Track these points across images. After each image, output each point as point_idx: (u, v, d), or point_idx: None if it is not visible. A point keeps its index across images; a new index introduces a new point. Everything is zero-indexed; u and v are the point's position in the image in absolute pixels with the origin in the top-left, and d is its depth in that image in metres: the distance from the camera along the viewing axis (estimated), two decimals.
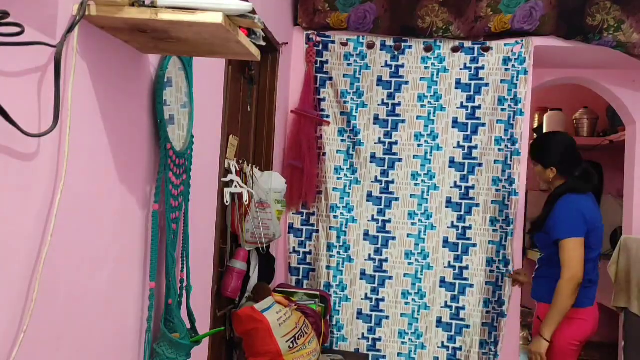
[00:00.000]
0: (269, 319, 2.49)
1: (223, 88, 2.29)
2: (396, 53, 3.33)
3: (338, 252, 3.32)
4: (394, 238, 3.30)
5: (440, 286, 3.25)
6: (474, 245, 3.24)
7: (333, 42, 3.35)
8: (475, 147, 3.26)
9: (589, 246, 2.68)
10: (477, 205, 3.24)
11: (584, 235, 2.64)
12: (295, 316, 2.65)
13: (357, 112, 3.34)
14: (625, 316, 3.53)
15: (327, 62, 3.36)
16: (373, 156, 3.33)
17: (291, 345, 2.53)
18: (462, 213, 3.26)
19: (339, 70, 3.35)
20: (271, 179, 2.79)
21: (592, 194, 2.81)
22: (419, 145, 3.30)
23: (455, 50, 3.28)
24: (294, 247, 3.38)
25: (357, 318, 3.30)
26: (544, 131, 5.07)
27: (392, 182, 3.31)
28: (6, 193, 1.10)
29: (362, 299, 3.31)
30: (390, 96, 3.33)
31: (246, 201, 2.54)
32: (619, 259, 3.54)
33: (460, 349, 3.24)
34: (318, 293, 3.09)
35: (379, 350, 3.29)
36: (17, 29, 1.05)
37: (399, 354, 3.27)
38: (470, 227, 3.25)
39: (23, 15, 1.10)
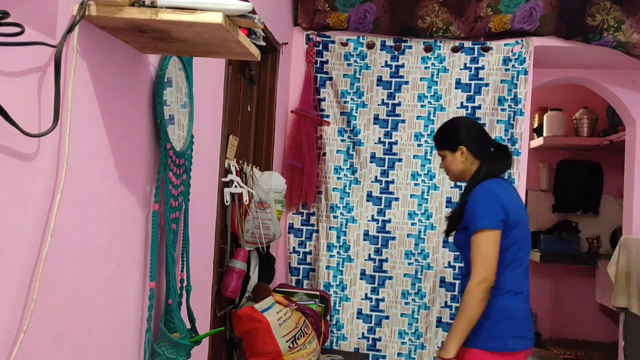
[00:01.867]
0: (269, 319, 2.49)
1: (223, 88, 2.29)
2: (396, 53, 3.33)
3: (338, 252, 3.32)
4: (394, 238, 3.30)
5: (440, 286, 3.25)
6: None
7: (333, 42, 3.36)
8: None
9: (515, 244, 2.18)
10: None
11: (502, 227, 2.14)
12: (295, 316, 2.65)
13: (357, 112, 3.34)
14: (625, 316, 3.53)
15: (327, 62, 3.37)
16: (373, 156, 3.33)
17: (291, 345, 2.53)
18: None
19: (339, 70, 3.35)
20: (271, 179, 2.79)
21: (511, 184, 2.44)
22: (419, 145, 3.30)
23: (455, 50, 3.28)
24: (294, 247, 3.38)
25: (357, 318, 3.30)
26: (544, 132, 5.08)
27: (392, 182, 3.32)
28: (6, 193, 1.10)
29: (362, 299, 3.31)
30: (390, 96, 3.33)
31: (246, 201, 2.54)
32: (619, 259, 3.54)
33: None
34: (318, 293, 3.08)
35: (379, 350, 3.29)
36: (17, 29, 1.05)
37: (399, 354, 3.27)
38: None
39: (23, 15, 1.11)
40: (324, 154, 3.35)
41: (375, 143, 3.33)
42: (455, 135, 2.33)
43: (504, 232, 2.15)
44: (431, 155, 3.28)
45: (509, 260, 2.18)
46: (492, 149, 2.36)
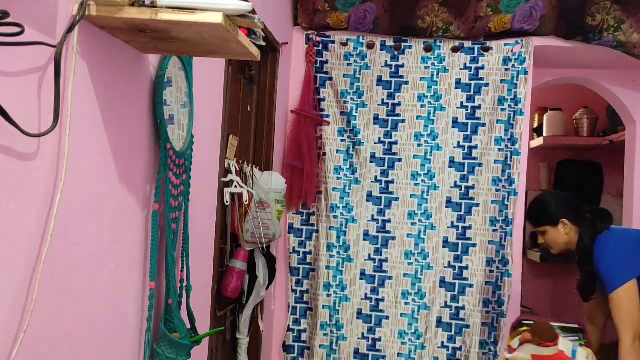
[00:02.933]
0: None
1: (223, 88, 2.29)
2: (396, 53, 3.33)
3: (338, 252, 3.32)
4: (393, 238, 3.29)
5: (440, 286, 3.25)
6: (474, 245, 3.24)
7: (333, 42, 3.35)
8: (475, 147, 3.26)
9: None
10: (477, 205, 3.24)
11: (637, 274, 2.24)
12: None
13: (357, 112, 3.33)
14: None
15: (327, 62, 3.36)
16: (373, 156, 3.33)
17: None
18: (462, 213, 3.26)
19: (339, 70, 3.35)
20: (271, 179, 2.79)
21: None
22: (419, 145, 3.30)
23: (455, 50, 3.28)
24: (294, 247, 3.38)
25: (357, 318, 3.30)
26: (544, 132, 5.08)
27: (392, 182, 3.31)
28: (6, 193, 1.10)
29: (362, 299, 3.30)
30: (390, 96, 3.33)
31: (246, 201, 2.54)
32: None
33: (460, 349, 3.24)
34: (577, 326, 2.63)
35: (379, 351, 3.29)
36: (17, 29, 1.05)
37: (399, 354, 3.26)
38: (470, 227, 3.25)
39: (23, 15, 1.10)
40: (324, 154, 3.35)
41: (375, 143, 3.33)
42: (551, 210, 2.49)
43: None
44: (431, 155, 3.28)
45: None
46: (588, 215, 2.48)
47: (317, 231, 3.34)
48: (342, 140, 3.36)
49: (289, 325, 3.36)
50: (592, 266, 2.39)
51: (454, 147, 3.27)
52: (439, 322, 3.25)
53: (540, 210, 2.55)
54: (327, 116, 3.36)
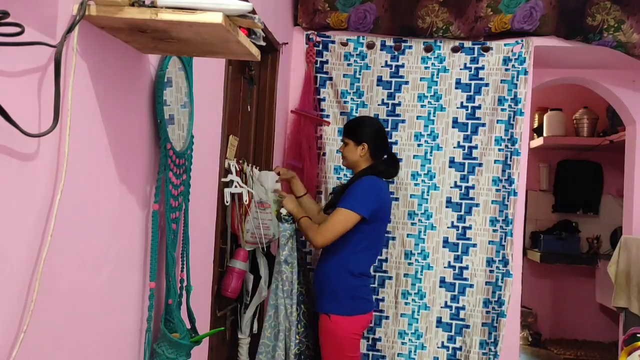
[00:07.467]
0: None
1: (223, 88, 2.29)
2: (396, 53, 3.33)
3: None
4: (393, 238, 3.29)
5: (440, 286, 3.25)
6: (474, 245, 3.24)
7: (333, 42, 3.36)
8: (475, 147, 3.25)
9: (374, 235, 2.70)
10: (477, 205, 3.24)
11: (370, 217, 2.61)
12: None
13: (357, 112, 3.33)
14: (625, 316, 3.54)
15: (327, 62, 3.37)
16: None
17: None
18: (462, 213, 3.26)
19: (339, 70, 3.35)
20: (268, 178, 2.78)
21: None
22: (419, 145, 3.30)
23: (455, 50, 3.28)
24: None
25: None
26: (544, 132, 5.08)
27: (392, 182, 3.31)
28: (6, 193, 1.10)
29: None
30: (390, 96, 3.33)
31: (246, 201, 2.54)
32: (619, 259, 3.55)
33: (460, 349, 3.24)
34: None
35: (378, 351, 3.29)
36: (17, 29, 1.05)
37: (399, 354, 3.26)
38: (470, 227, 3.25)
39: (23, 15, 1.10)
40: (324, 154, 3.35)
41: None
42: (363, 131, 2.76)
43: (369, 221, 2.61)
44: (431, 155, 3.28)
45: (364, 247, 2.67)
46: (386, 156, 2.84)
47: None
48: (342, 140, 3.35)
49: None
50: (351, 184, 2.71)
51: (454, 147, 3.27)
52: (439, 322, 3.25)
53: (356, 125, 2.81)
54: (327, 116, 3.36)
